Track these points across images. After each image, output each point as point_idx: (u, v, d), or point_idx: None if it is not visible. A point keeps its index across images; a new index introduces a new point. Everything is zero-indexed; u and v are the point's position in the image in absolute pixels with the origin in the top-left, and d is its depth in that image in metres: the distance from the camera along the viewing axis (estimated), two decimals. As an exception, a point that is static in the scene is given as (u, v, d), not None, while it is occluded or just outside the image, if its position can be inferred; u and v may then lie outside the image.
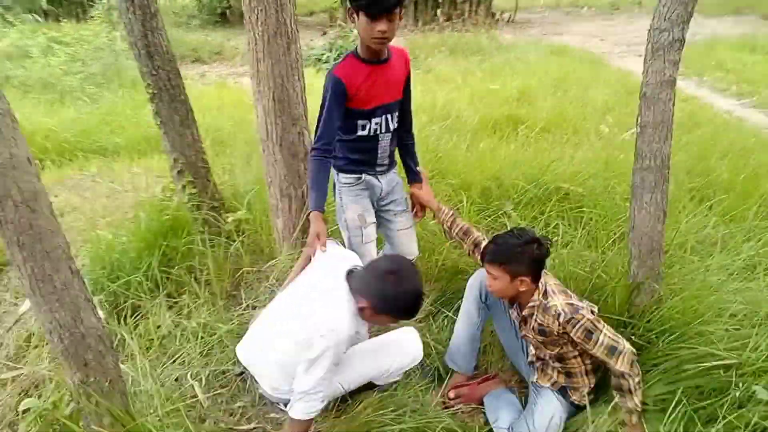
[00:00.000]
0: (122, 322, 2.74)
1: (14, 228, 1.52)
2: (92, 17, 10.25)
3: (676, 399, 1.92)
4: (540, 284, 2.08)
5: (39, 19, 12.28)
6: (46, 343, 2.62)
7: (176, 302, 2.90)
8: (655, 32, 2.07)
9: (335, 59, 9.76)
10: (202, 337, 2.61)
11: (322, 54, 10.04)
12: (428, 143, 4.24)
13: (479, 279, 2.36)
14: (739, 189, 3.69)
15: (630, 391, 1.97)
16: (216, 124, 5.69)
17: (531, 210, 3.34)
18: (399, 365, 2.28)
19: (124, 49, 9.13)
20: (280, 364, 2.08)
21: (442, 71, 8.34)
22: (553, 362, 2.17)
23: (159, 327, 2.72)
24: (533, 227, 3.16)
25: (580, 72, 7.97)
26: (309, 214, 2.24)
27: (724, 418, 1.87)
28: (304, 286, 2.18)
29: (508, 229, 2.18)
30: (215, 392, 2.42)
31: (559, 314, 2.01)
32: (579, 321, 1.98)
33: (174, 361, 2.54)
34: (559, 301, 2.03)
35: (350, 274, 2.06)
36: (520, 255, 2.00)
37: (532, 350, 2.24)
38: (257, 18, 2.52)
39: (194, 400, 2.33)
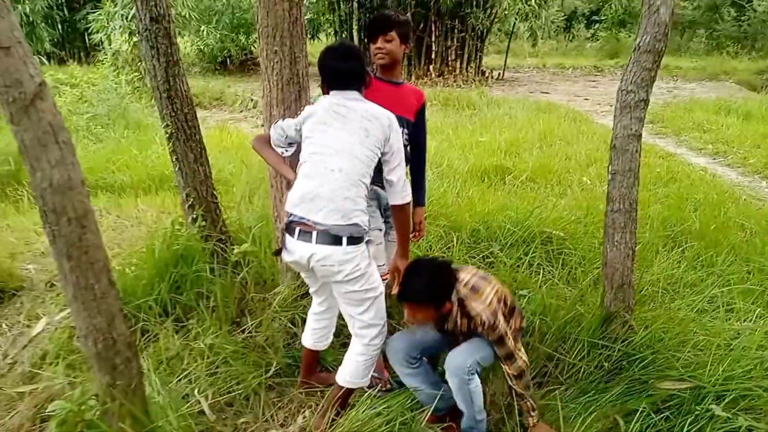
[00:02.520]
0: (132, 343, 2.92)
1: (65, 241, 1.74)
2: (100, 61, 10.66)
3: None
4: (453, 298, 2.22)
5: (44, 61, 12.72)
6: (62, 360, 2.79)
7: (183, 326, 3.08)
8: (623, 93, 2.39)
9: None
10: (208, 357, 2.80)
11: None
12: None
13: (401, 353, 2.39)
14: (710, 237, 3.97)
15: (519, 395, 2.23)
16: (218, 165, 5.96)
17: (516, 251, 3.59)
18: None
19: (128, 93, 9.52)
20: (353, 164, 2.17)
21: (434, 123, 8.75)
22: None
23: (167, 349, 2.90)
24: (517, 266, 3.41)
25: (564, 128, 8.40)
26: None
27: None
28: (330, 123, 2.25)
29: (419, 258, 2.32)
30: (220, 409, 2.59)
31: (483, 323, 2.16)
32: (497, 328, 2.16)
33: (180, 380, 2.71)
34: (479, 308, 2.17)
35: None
36: (442, 291, 2.14)
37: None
38: (273, 69, 2.82)
39: (202, 415, 2.51)
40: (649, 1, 2.35)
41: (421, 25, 14.62)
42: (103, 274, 1.83)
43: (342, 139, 2.18)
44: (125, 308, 3.08)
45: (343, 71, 2.26)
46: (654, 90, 2.42)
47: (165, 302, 3.15)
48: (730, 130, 8.71)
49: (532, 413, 2.25)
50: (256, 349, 2.89)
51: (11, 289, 3.57)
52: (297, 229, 2.17)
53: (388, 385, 2.66)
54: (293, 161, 2.40)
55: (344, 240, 2.12)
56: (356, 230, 2.15)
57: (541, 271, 3.37)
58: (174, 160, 3.43)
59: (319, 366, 2.78)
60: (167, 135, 3.35)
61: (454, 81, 14.51)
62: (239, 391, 2.67)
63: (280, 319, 3.02)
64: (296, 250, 2.19)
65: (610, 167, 2.47)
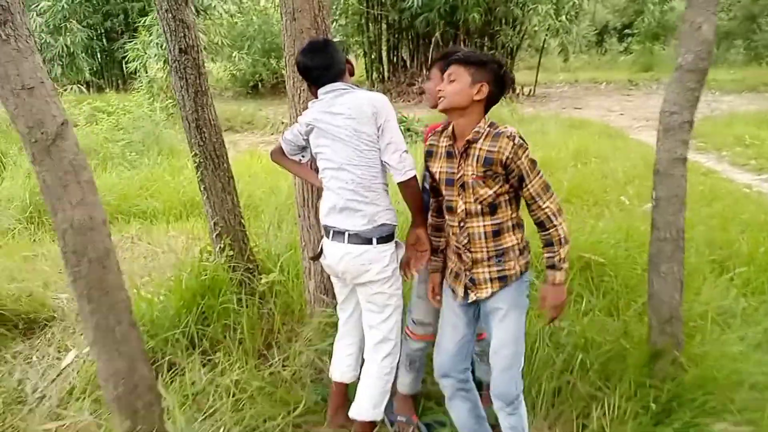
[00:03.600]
0: (159, 377, 2.86)
1: (86, 283, 1.70)
2: (135, 89, 10.91)
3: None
4: (486, 117, 2.06)
5: (84, 90, 13.09)
6: (89, 395, 2.76)
7: (210, 359, 3.02)
8: (665, 115, 2.25)
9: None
10: (234, 394, 2.72)
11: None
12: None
13: (452, 374, 2.25)
14: (760, 262, 3.75)
15: (559, 242, 2.01)
16: (248, 190, 5.95)
17: (553, 278, 3.43)
18: None
19: (162, 119, 9.68)
20: (361, 172, 2.23)
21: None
22: (484, 225, 2.07)
23: (193, 383, 2.84)
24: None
25: (599, 145, 8.19)
26: None
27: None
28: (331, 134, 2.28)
29: None
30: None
31: (513, 137, 1.96)
32: (527, 149, 1.98)
33: (206, 418, 2.64)
34: (509, 127, 2.01)
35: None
36: (489, 64, 2.02)
37: (461, 205, 2.08)
38: (299, 97, 2.78)
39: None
40: (690, 18, 2.23)
41: (451, 43, 14.59)
42: (124, 315, 1.78)
43: (339, 151, 2.25)
44: (152, 341, 3.04)
45: (315, 66, 2.30)
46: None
47: (192, 335, 3.10)
48: (774, 144, 8.37)
49: (564, 265, 2.03)
50: (283, 384, 2.80)
51: (43, 319, 3.57)
52: (331, 232, 2.34)
53: (417, 431, 2.54)
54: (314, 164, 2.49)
55: (374, 240, 2.27)
56: (385, 229, 2.29)
57: (582, 301, 3.20)
58: (202, 189, 3.41)
59: (347, 406, 2.68)
60: (195, 164, 3.33)
61: (485, 99, 14.39)
62: (265, 431, 2.58)
63: (308, 352, 2.94)
64: (331, 251, 2.35)
65: (653, 193, 2.33)
